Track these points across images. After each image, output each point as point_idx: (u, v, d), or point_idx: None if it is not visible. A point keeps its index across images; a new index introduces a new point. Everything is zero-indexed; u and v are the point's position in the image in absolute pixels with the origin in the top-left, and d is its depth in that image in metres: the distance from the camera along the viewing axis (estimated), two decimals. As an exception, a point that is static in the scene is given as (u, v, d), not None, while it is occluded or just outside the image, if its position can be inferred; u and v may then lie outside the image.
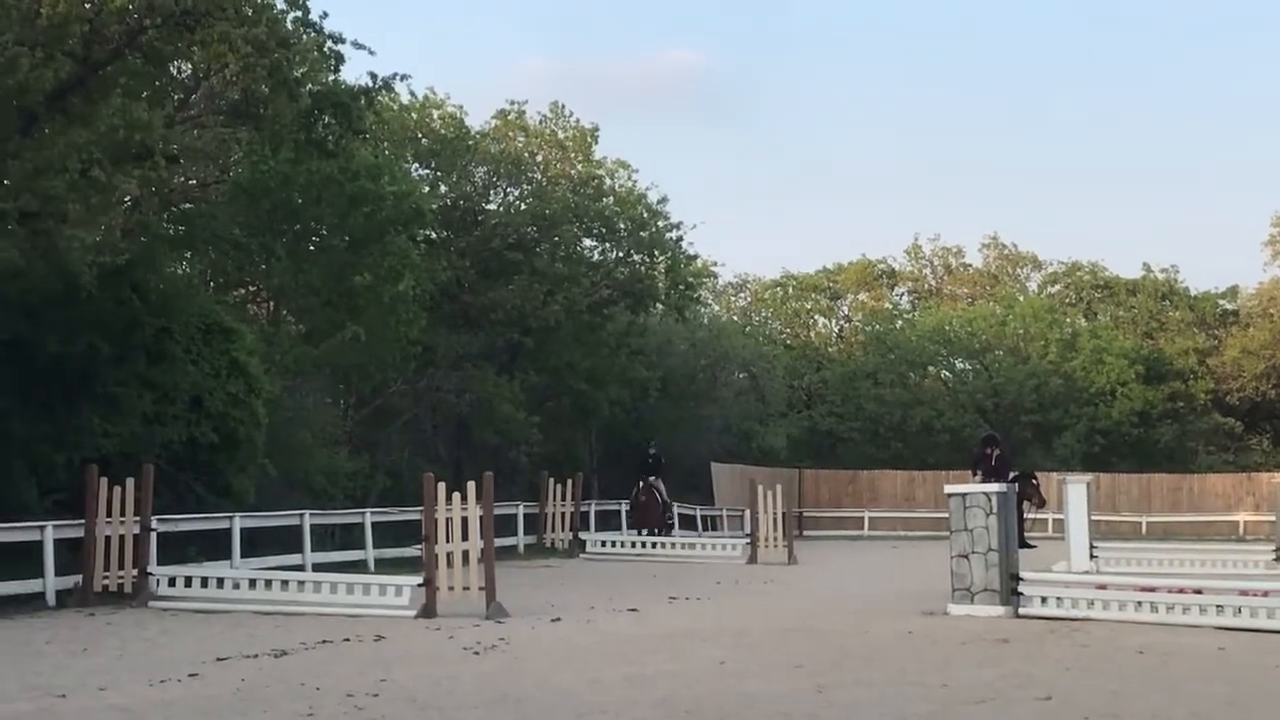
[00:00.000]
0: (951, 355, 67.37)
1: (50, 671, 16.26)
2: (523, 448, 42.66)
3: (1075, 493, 30.50)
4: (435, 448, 42.19)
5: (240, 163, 30.29)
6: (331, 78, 28.16)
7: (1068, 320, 68.13)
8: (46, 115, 23.89)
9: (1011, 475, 30.78)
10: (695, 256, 50.92)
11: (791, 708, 13.94)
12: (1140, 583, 22.47)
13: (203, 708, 13.83)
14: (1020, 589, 21.96)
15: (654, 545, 38.35)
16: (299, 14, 26.87)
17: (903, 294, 76.76)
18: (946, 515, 23.05)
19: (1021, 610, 21.64)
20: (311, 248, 35.06)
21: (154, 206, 26.97)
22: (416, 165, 43.80)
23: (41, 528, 23.77)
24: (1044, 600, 21.74)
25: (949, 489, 23.51)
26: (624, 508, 43.30)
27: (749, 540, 36.69)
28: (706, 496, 51.96)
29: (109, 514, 24.19)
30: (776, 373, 63.09)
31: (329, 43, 27.56)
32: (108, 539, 24.15)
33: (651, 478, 40.17)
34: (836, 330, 74.14)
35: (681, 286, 49.41)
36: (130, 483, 24.30)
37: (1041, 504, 35.73)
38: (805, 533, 49.27)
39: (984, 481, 26.41)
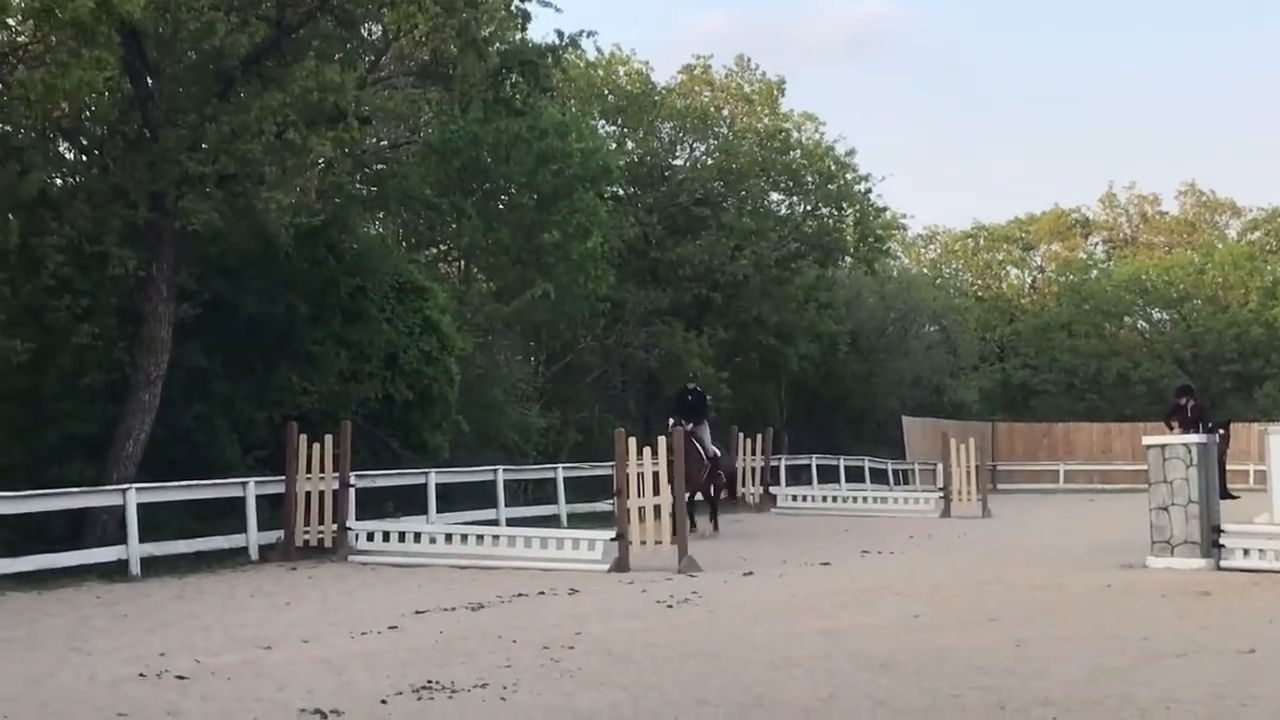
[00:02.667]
0: (1148, 305, 65.94)
1: (255, 624, 16.66)
2: (713, 403, 42.65)
3: (1277, 443, 29.68)
4: (625, 404, 42.40)
5: (430, 123, 30.58)
6: (519, 36, 28.23)
7: (1268, 268, 66.24)
8: (242, 79, 24.28)
9: (1212, 427, 30.03)
10: (884, 209, 50.45)
11: (988, 661, 13.81)
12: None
13: (403, 660, 14.05)
14: (1222, 541, 21.57)
15: (846, 499, 38.20)
16: (487, -29, 26.97)
17: (1097, 243, 75.29)
18: (1144, 468, 22.69)
19: (1223, 563, 21.24)
20: (501, 206, 35.31)
21: (347, 168, 27.34)
22: (603, 122, 43.83)
23: (244, 484, 24.34)
24: (1246, 553, 21.30)
25: (1147, 441, 23.14)
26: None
27: (942, 494, 36.41)
28: (898, 451, 51.60)
29: (309, 470, 24.68)
30: (968, 325, 62.33)
31: (516, 1, 27.63)
32: (308, 495, 24.65)
33: (688, 424, 27.85)
34: (1029, 281, 72.90)
35: (870, 239, 48.94)
36: (329, 439, 24.74)
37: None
38: (999, 486, 48.69)
39: (1181, 433, 25.85)
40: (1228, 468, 37.23)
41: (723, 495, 30.47)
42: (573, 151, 34.20)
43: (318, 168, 25.60)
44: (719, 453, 29.84)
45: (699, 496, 28.77)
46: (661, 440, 23.51)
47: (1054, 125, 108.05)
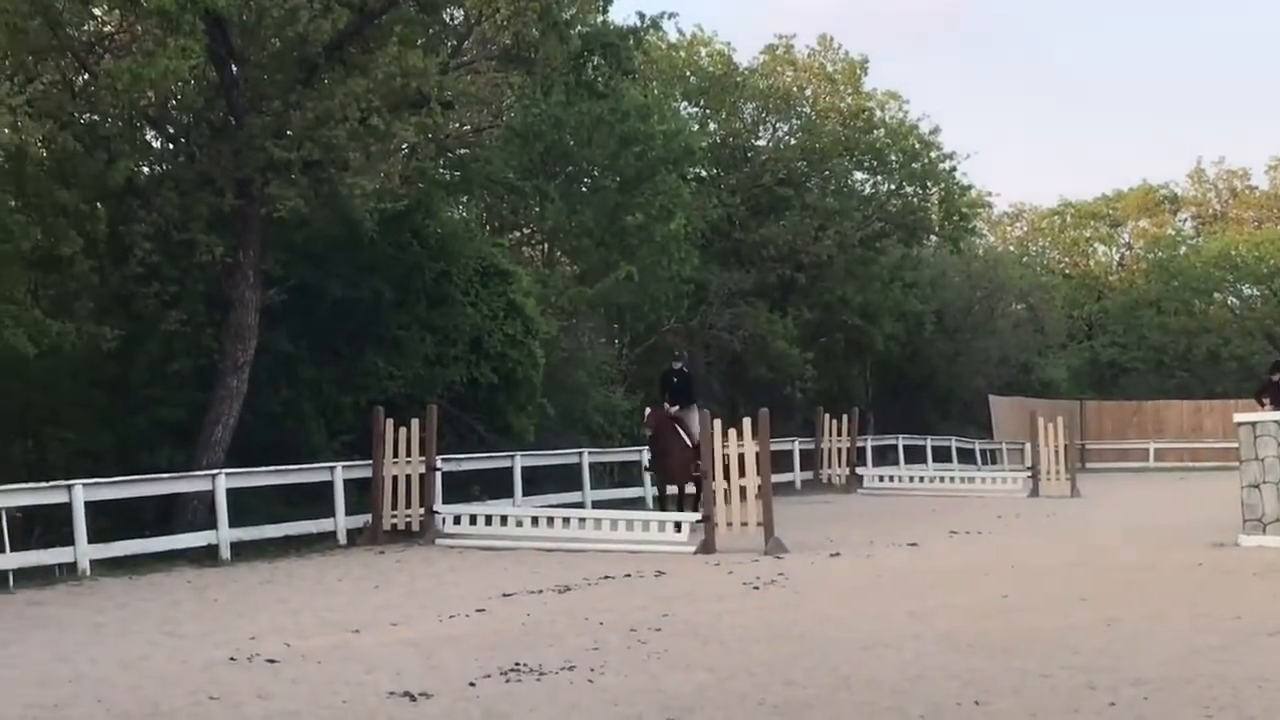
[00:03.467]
0: (1238, 281, 65.10)
1: (344, 608, 16.78)
2: (797, 384, 42.58)
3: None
4: (709, 385, 42.30)
5: (512, 107, 30.57)
6: (600, 18, 28.19)
7: (1363, 241, 65.29)
8: (325, 65, 24.40)
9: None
10: (969, 187, 50.13)
11: (1078, 641, 13.71)
12: None
13: (491, 642, 14.11)
14: (1318, 519, 21.31)
15: (933, 480, 38.05)
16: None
17: (1186, 219, 74.27)
18: (1235, 445, 22.43)
19: (1318, 542, 20.99)
20: (583, 189, 35.36)
21: (430, 152, 27.37)
22: (685, 103, 43.79)
23: (331, 469, 24.50)
24: (1343, 531, 21.07)
25: (1238, 418, 22.87)
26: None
27: (1030, 473, 36.18)
28: (985, 430, 51.30)
29: (395, 455, 24.78)
30: (1055, 303, 61.84)
31: (597, -17, 27.63)
32: (394, 479, 24.75)
33: (673, 406, 25.93)
34: (1117, 258, 72.17)
35: (955, 217, 48.71)
36: (415, 424, 24.83)
37: None
38: (1088, 465, 48.34)
39: (1273, 409, 25.49)
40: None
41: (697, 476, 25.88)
42: (655, 133, 34.19)
43: (401, 153, 25.66)
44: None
45: (688, 488, 25.86)
46: (747, 422, 23.45)
47: (1142, 100, 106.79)
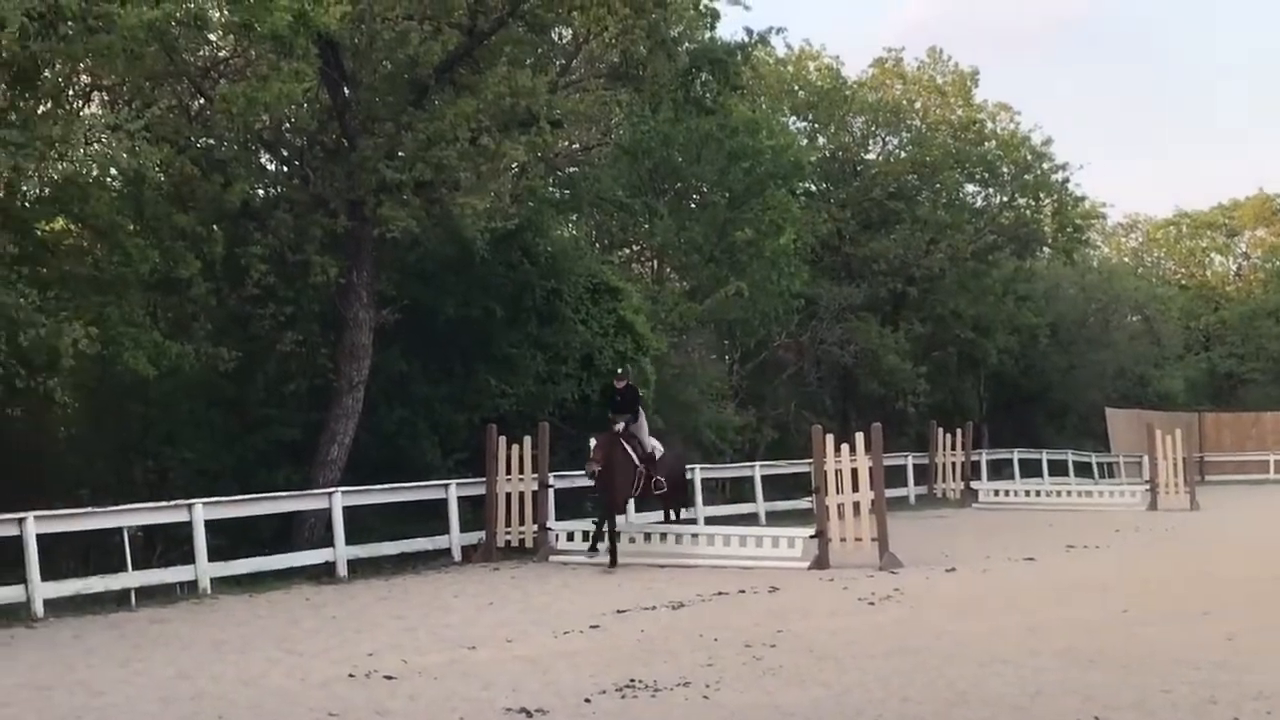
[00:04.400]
0: (1356, 289, 64.11)
1: (459, 624, 16.90)
2: (910, 398, 42.29)
3: None
4: (821, 400, 42.22)
5: (621, 124, 30.65)
6: (708, 35, 28.25)
7: None
8: (436, 87, 24.67)
9: None
10: (1083, 198, 49.78)
11: (1198, 656, 13.57)
12: None
13: (606, 659, 14.18)
14: None
15: (1049, 494, 37.73)
16: (673, -28, 27.02)
17: (1303, 228, 73.18)
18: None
19: None
20: (692, 205, 35.38)
21: (539, 171, 27.51)
22: (794, 118, 43.64)
23: (446, 486, 24.68)
24: None
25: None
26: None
27: (1148, 486, 35.75)
28: (1101, 444, 50.77)
29: (508, 472, 24.91)
30: (1171, 314, 61.12)
31: (704, 0, 27.64)
32: (508, 496, 24.89)
33: (619, 425, 24.31)
34: (1234, 268, 71.15)
35: (1069, 229, 48.31)
36: (527, 441, 24.95)
37: None
38: (1206, 478, 47.65)
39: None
40: None
41: (659, 491, 24.94)
42: (764, 148, 34.15)
43: (511, 172, 25.80)
44: (658, 448, 24.90)
45: (620, 517, 24.43)
46: (859, 436, 23.37)
47: (1257, 109, 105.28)
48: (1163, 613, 16.66)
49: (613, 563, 22.72)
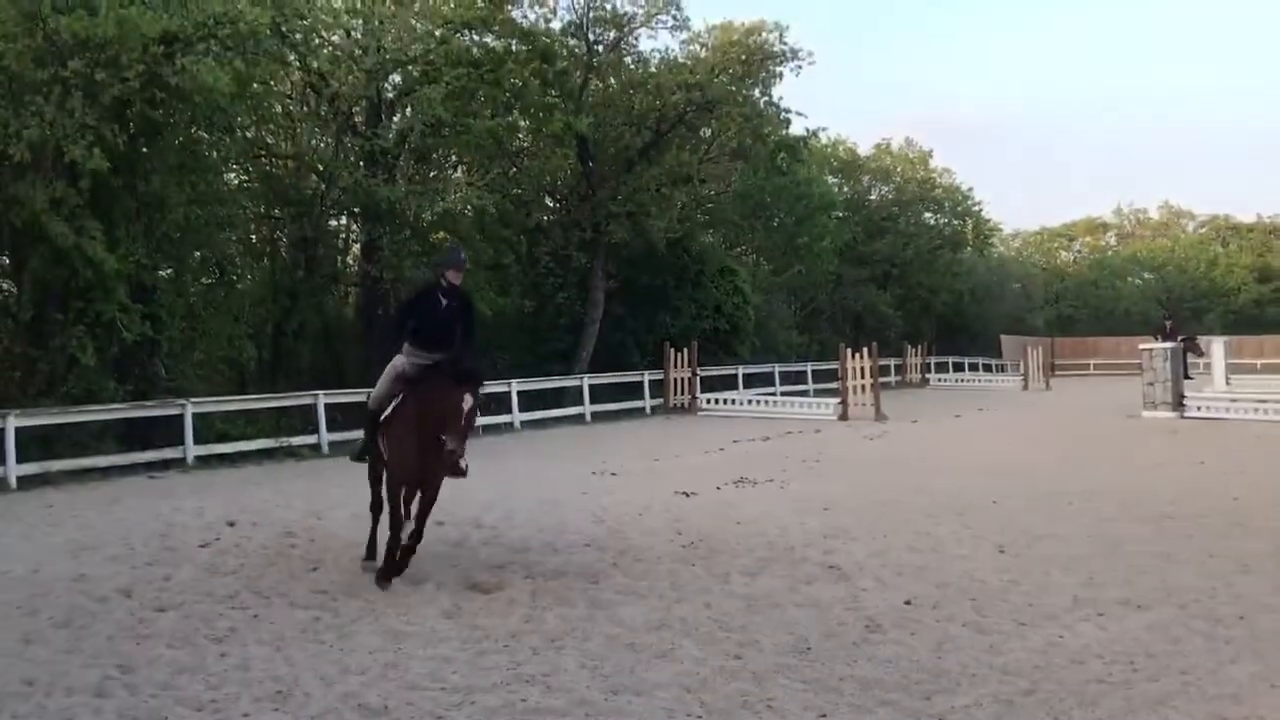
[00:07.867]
0: (1142, 270, 60.28)
1: (649, 448, 16.91)
2: (893, 329, 41.17)
3: (1216, 346, 27.94)
4: (844, 330, 41.21)
5: (736, 180, 30.32)
6: (784, 131, 27.74)
7: None
8: (639, 160, 24.61)
9: (1180, 338, 27.53)
10: (988, 219, 47.11)
11: (1054, 469, 13.24)
12: (1257, 397, 20.73)
13: (729, 465, 14.16)
14: (1185, 402, 20.42)
15: (969, 380, 36.38)
16: (768, 98, 26.61)
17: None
18: (1138, 361, 21.41)
19: (1185, 415, 20.02)
20: (774, 224, 34.80)
21: (693, 207, 27.37)
22: (830, 176, 42.54)
23: (641, 374, 24.63)
24: (1199, 408, 20.23)
25: (1141, 346, 21.94)
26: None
27: (1022, 376, 34.30)
28: (998, 355, 48.21)
29: (675, 366, 24.90)
30: (1037, 284, 57.03)
31: (782, 113, 27.20)
32: (675, 380, 24.85)
33: (434, 353, 7.19)
34: (1072, 259, 64.43)
35: (981, 237, 46.42)
36: (685, 351, 24.88)
37: (1200, 355, 31.13)
38: (1056, 373, 45.55)
39: (1161, 343, 23.95)
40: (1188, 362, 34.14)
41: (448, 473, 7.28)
42: (814, 194, 33.40)
43: (678, 207, 25.73)
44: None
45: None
46: (865, 350, 22.84)
47: (1095, 170, 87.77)
48: (1032, 446, 16.09)
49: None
